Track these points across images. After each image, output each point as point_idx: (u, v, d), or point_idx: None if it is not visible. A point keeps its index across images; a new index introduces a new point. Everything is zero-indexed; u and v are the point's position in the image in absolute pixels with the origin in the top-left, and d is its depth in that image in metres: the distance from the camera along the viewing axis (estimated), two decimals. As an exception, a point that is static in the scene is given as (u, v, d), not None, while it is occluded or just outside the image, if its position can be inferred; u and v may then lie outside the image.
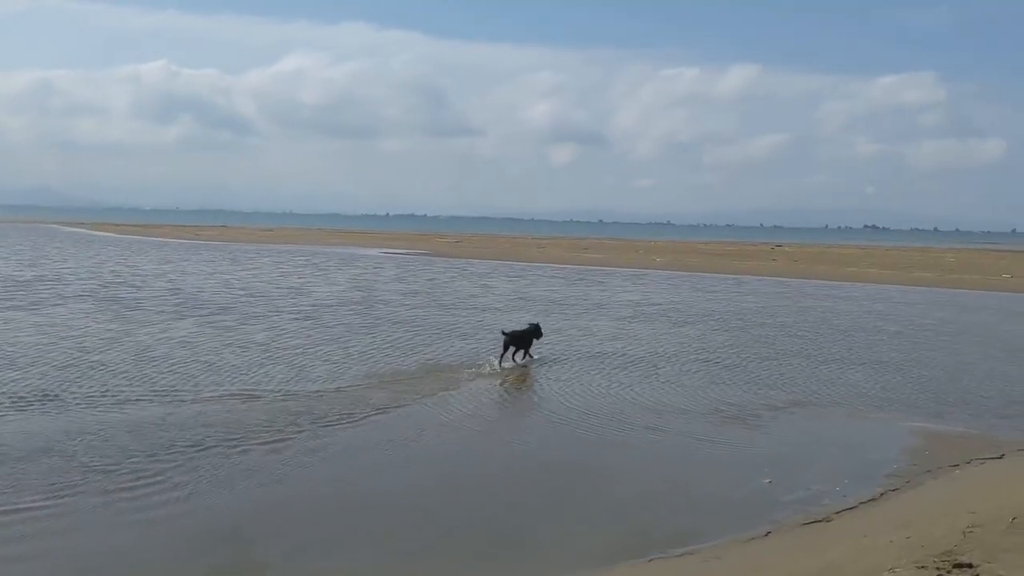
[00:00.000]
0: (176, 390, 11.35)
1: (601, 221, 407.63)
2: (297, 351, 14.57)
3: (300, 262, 40.38)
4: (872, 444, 10.05)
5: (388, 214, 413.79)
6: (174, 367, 12.83)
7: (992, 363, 15.75)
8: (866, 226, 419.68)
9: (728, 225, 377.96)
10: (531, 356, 14.34)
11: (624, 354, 15.49)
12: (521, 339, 14.21)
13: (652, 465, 9.04)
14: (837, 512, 7.72)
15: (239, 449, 8.84)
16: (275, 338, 15.89)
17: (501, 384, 12.90)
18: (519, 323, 15.79)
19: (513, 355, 13.97)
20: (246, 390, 11.49)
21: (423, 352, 14.90)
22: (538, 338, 14.52)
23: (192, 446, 8.84)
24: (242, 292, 24.06)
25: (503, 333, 14.09)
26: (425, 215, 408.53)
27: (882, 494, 8.23)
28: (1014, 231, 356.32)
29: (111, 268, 32.36)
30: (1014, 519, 7.04)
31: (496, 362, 13.71)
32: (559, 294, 27.01)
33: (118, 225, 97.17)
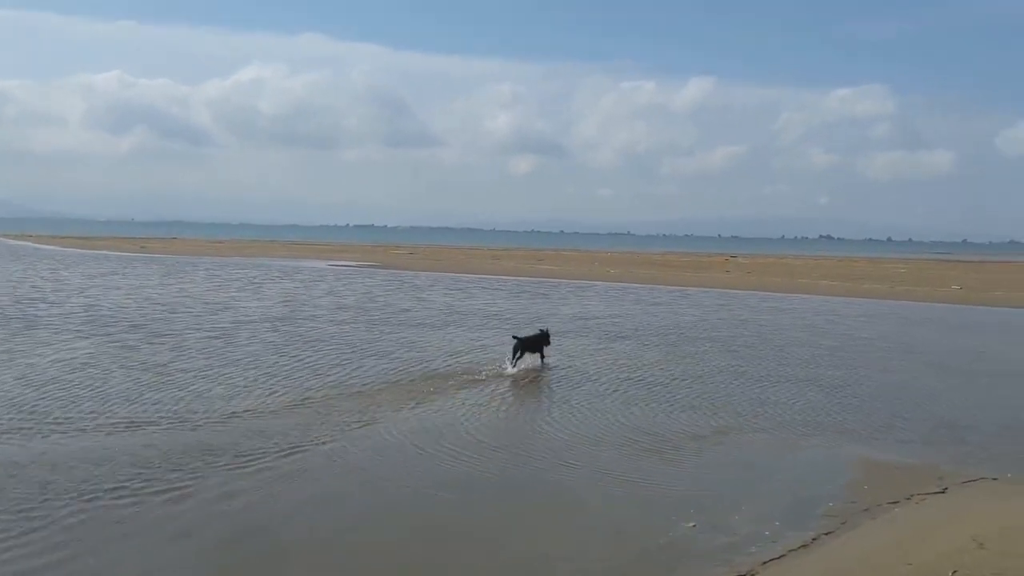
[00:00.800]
0: (49, 419, 10.19)
1: (562, 231, 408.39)
2: (194, 374, 13.39)
3: (236, 276, 38.88)
4: (807, 477, 9.19)
5: (348, 224, 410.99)
6: (52, 392, 11.62)
7: (931, 381, 15.01)
8: (821, 236, 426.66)
9: (687, 235, 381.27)
10: (545, 359, 15.15)
11: (545, 374, 14.61)
12: (532, 344, 15.05)
13: (554, 515, 7.87)
14: (764, 563, 6.84)
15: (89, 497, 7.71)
16: (175, 359, 14.68)
17: (396, 415, 11.80)
18: (532, 329, 16.05)
19: (518, 359, 14.69)
20: (125, 419, 10.36)
21: (329, 375, 13.77)
22: (547, 344, 15.21)
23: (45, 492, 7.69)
24: (162, 308, 22.69)
25: (515, 338, 14.98)
26: (385, 226, 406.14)
27: (814, 539, 7.36)
28: (965, 241, 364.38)
29: (33, 283, 30.69)
30: (954, 573, 6.24)
31: (508, 366, 14.52)
32: (496, 307, 26.02)
33: (64, 237, 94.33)
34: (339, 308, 24.48)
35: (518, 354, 14.68)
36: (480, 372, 14.24)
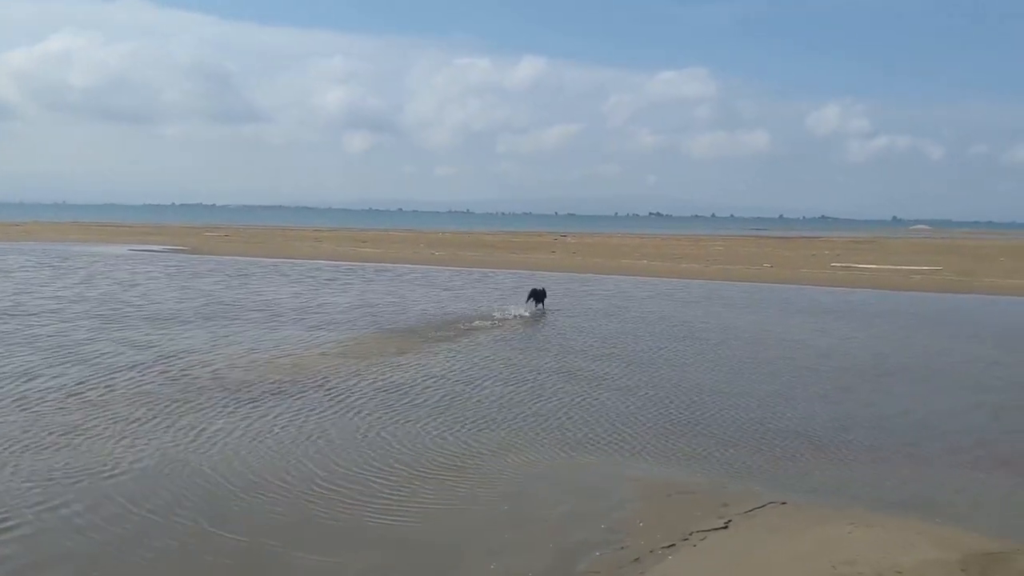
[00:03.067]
0: None
1: (400, 210, 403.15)
2: None
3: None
4: (577, 512, 7.76)
5: (173, 204, 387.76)
6: None
7: (715, 376, 14.17)
8: (651, 213, 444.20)
9: (526, 213, 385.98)
10: (543, 308, 21.47)
11: (241, 383, 12.44)
12: (539, 295, 21.67)
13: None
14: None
15: None
16: None
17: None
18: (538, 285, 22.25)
19: (528, 302, 21.40)
20: None
21: None
22: (545, 297, 21.87)
23: None
24: None
25: (533, 290, 21.85)
26: (214, 205, 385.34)
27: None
28: (781, 216, 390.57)
29: None
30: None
31: (522, 309, 20.80)
32: (265, 297, 23.72)
33: None
34: (80, 300, 21.52)
35: (529, 300, 21.37)
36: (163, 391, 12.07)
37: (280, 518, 7.46)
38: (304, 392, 11.99)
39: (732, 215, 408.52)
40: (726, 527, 7.46)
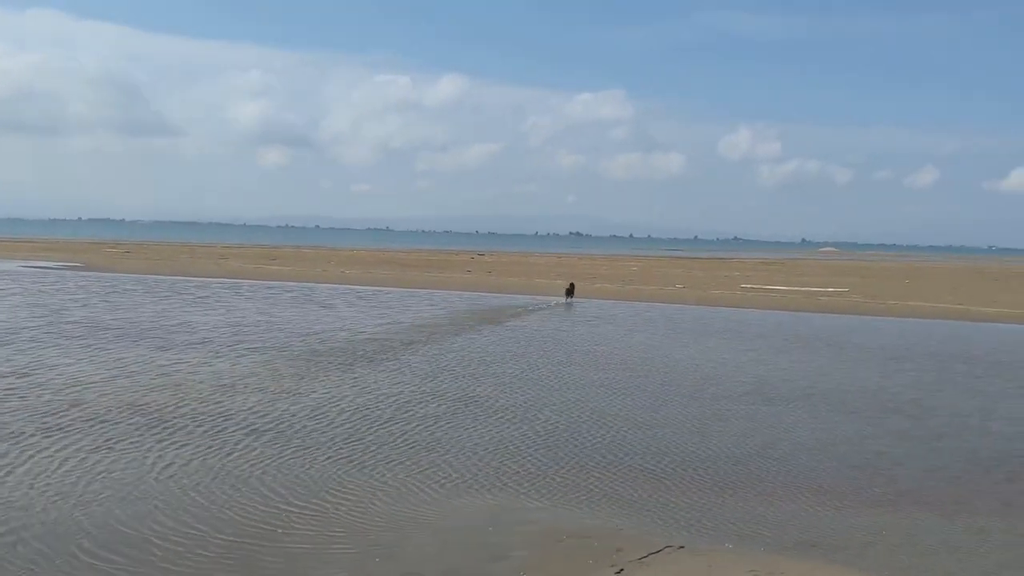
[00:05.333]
0: None
1: (318, 227, 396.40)
2: None
3: None
4: (455, 570, 7.00)
5: (80, 219, 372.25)
6: None
7: (622, 401, 13.72)
8: (571, 233, 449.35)
9: (446, 231, 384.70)
10: (572, 301, 30.94)
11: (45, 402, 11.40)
12: (571, 291, 31.76)
13: None
14: None
15: None
16: None
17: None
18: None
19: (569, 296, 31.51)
20: None
21: None
22: (574, 293, 31.85)
23: None
24: None
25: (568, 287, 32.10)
26: (123, 220, 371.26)
27: None
28: (696, 238, 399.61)
29: None
30: None
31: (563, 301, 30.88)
32: (115, 317, 22.14)
33: None
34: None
35: (569, 297, 31.42)
36: None
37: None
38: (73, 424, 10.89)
39: (649, 235, 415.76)
40: (618, 577, 6.80)
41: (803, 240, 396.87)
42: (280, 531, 7.51)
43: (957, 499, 9.21)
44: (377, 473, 9.29)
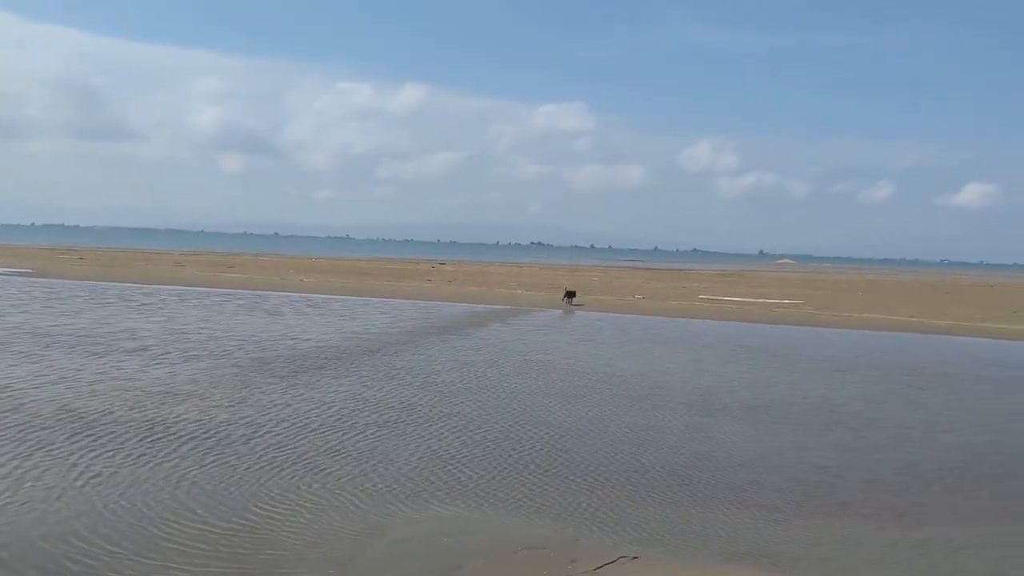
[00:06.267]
0: None
1: (277, 234, 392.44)
2: None
3: None
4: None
5: (33, 224, 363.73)
6: None
7: (566, 410, 13.90)
8: (533, 243, 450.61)
9: (407, 240, 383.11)
10: (573, 304, 34.43)
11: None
12: (570, 294, 35.29)
13: None
14: None
15: None
16: None
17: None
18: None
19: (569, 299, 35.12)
20: None
21: None
22: (575, 295, 35.49)
23: None
24: None
25: (567, 290, 35.77)
26: (78, 226, 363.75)
27: None
28: (656, 248, 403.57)
29: None
30: None
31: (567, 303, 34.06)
32: (44, 324, 21.67)
33: None
34: None
35: (568, 298, 35.08)
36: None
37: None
38: None
39: (610, 246, 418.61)
40: (571, 592, 6.93)
41: (761, 252, 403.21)
42: (222, 548, 7.50)
43: (896, 511, 9.47)
44: (322, 485, 9.29)
